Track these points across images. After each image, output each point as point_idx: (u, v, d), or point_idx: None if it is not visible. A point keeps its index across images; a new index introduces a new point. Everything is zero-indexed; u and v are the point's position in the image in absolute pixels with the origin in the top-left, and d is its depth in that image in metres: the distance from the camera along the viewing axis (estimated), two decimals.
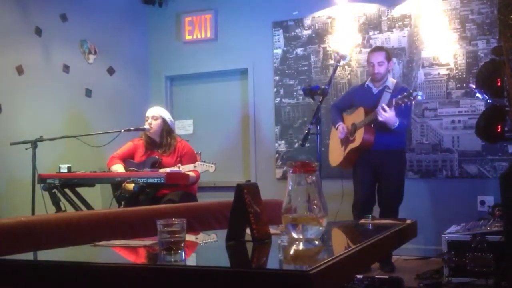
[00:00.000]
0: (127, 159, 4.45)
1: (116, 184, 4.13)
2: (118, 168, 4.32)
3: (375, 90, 4.29)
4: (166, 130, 4.45)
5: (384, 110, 3.95)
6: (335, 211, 4.28)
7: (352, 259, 1.48)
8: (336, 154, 4.50)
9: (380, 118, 3.99)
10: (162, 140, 4.42)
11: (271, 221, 1.83)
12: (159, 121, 4.44)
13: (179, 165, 4.20)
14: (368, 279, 3.20)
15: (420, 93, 4.00)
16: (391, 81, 4.29)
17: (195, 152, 4.49)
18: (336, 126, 4.43)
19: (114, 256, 1.76)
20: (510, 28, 3.32)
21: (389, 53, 4.37)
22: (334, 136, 4.56)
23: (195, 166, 4.15)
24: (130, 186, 3.95)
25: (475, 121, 3.83)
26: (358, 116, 4.27)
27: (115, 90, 5.69)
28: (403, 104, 3.94)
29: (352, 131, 4.29)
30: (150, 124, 4.43)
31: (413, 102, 4.02)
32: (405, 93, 3.95)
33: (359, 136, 4.19)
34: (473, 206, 4.76)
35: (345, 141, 4.37)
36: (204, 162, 4.16)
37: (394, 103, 3.95)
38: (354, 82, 5.16)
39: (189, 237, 1.85)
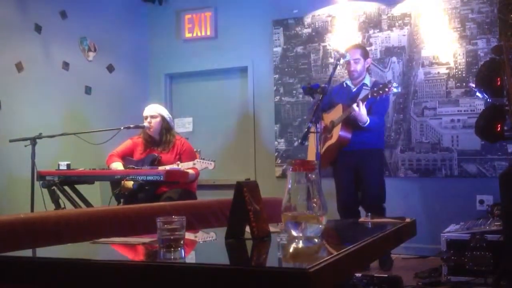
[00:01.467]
0: (126, 157, 4.44)
1: (115, 181, 4.13)
2: (117, 165, 4.32)
3: (353, 88, 4.30)
4: (165, 127, 4.44)
5: (357, 105, 3.95)
6: None
7: (351, 258, 1.48)
8: (314, 152, 4.46)
9: (353, 112, 3.99)
10: (162, 138, 4.42)
11: (271, 219, 1.83)
12: (158, 119, 4.43)
13: (178, 162, 4.19)
14: (367, 278, 3.20)
15: (395, 84, 3.98)
16: (369, 80, 4.30)
17: (195, 150, 4.48)
18: None
19: (113, 253, 1.76)
20: (510, 27, 3.32)
21: (366, 51, 4.37)
22: (313, 134, 4.53)
23: (194, 164, 4.14)
24: (129, 183, 3.96)
25: (474, 120, 3.83)
26: (337, 113, 4.26)
27: (114, 88, 5.68)
28: (378, 97, 3.93)
29: (330, 128, 4.28)
30: (149, 123, 4.41)
31: (390, 95, 3.99)
32: (380, 85, 3.95)
33: (336, 133, 4.19)
34: (472, 205, 4.76)
35: (323, 139, 4.35)
36: (204, 159, 4.15)
37: (370, 95, 3.95)
38: None
39: (189, 235, 1.84)
